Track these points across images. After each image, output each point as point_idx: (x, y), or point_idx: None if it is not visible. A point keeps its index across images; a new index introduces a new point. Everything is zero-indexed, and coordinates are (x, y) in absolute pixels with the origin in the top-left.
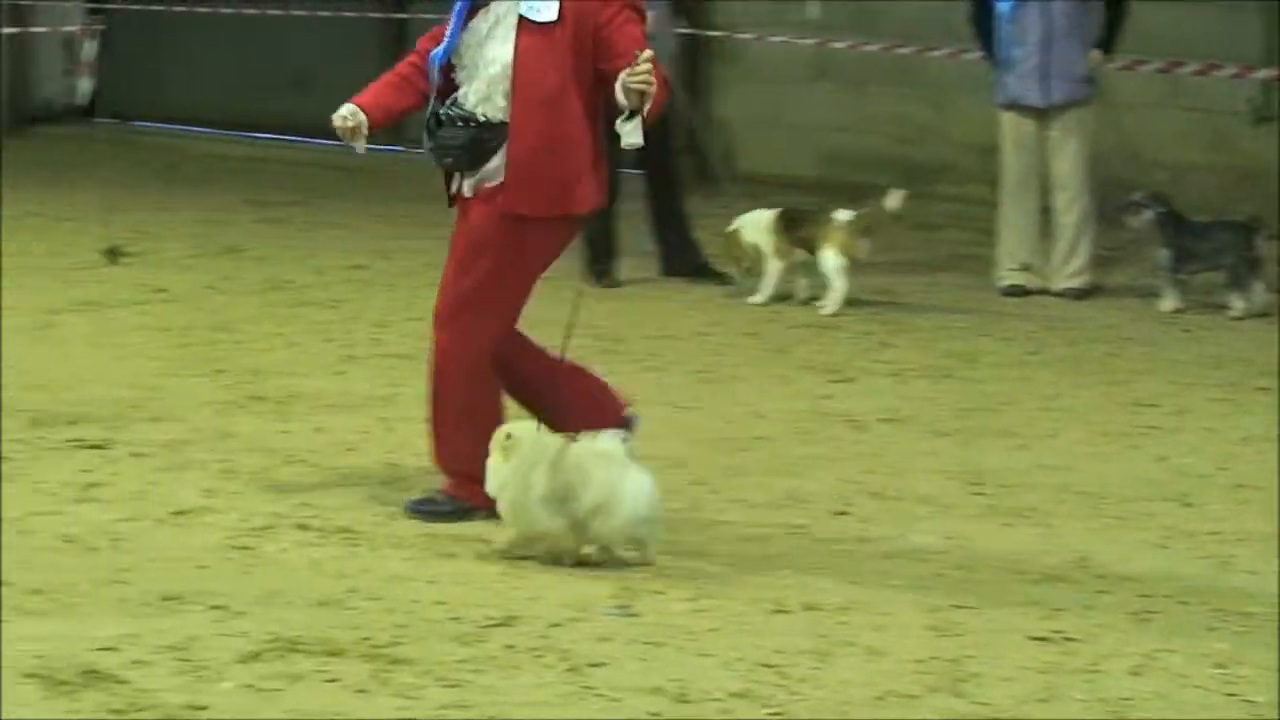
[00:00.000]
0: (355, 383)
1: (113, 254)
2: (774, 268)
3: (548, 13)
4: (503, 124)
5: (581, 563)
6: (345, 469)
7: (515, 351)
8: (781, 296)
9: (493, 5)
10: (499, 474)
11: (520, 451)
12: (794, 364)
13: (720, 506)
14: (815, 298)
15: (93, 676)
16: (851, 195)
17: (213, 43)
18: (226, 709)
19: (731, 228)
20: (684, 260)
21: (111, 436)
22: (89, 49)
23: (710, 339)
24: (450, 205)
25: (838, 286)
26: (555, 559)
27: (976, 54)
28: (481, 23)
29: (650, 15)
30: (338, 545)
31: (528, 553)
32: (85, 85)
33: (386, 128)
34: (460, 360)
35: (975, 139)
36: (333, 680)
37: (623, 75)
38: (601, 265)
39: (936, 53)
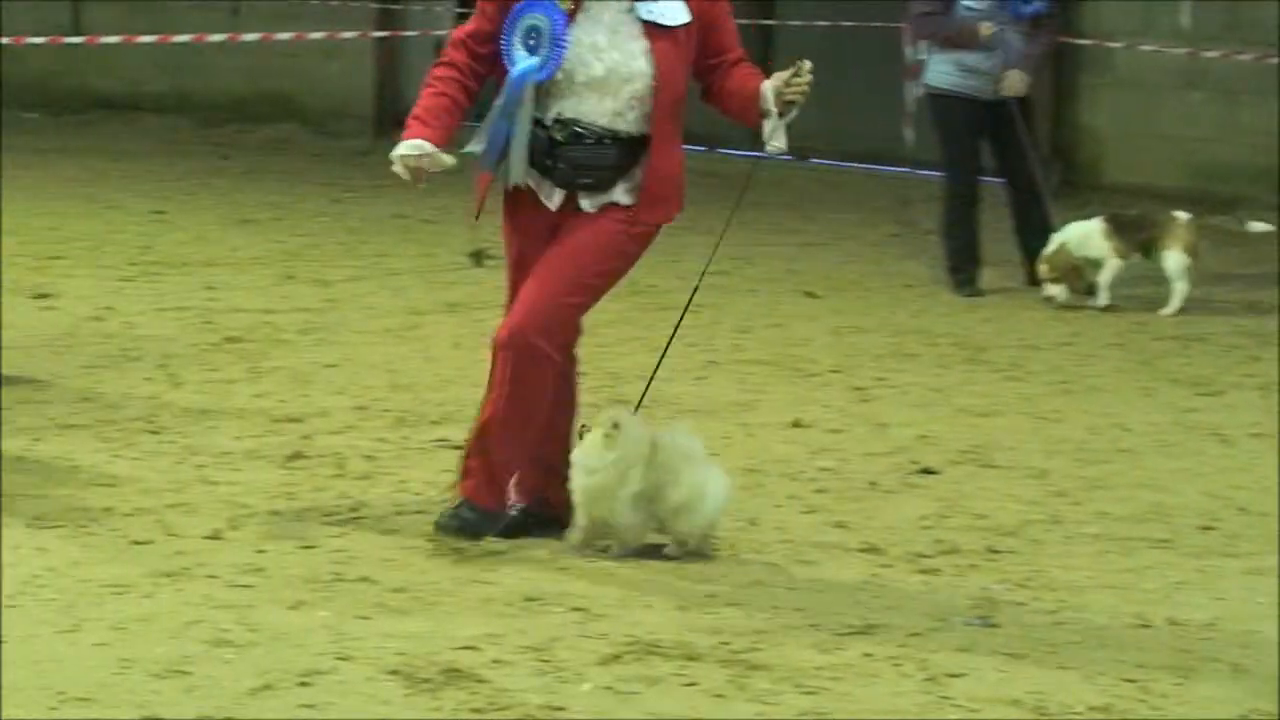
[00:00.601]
0: (716, 388)
1: (478, 256)
2: (1113, 266)
3: (678, 15)
4: (641, 137)
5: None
6: None
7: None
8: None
9: (593, 10)
10: (598, 459)
11: (625, 443)
12: (1159, 376)
13: (1082, 518)
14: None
15: (453, 675)
16: (1219, 208)
17: None
18: (585, 710)
19: (1054, 246)
20: None
21: None
22: None
23: (1073, 349)
24: (476, 214)
25: (1180, 288)
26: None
27: None
28: (585, 32)
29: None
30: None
31: (599, 542)
32: None
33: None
34: (557, 365)
35: None
36: (691, 684)
37: (778, 81)
38: (964, 274)
39: None
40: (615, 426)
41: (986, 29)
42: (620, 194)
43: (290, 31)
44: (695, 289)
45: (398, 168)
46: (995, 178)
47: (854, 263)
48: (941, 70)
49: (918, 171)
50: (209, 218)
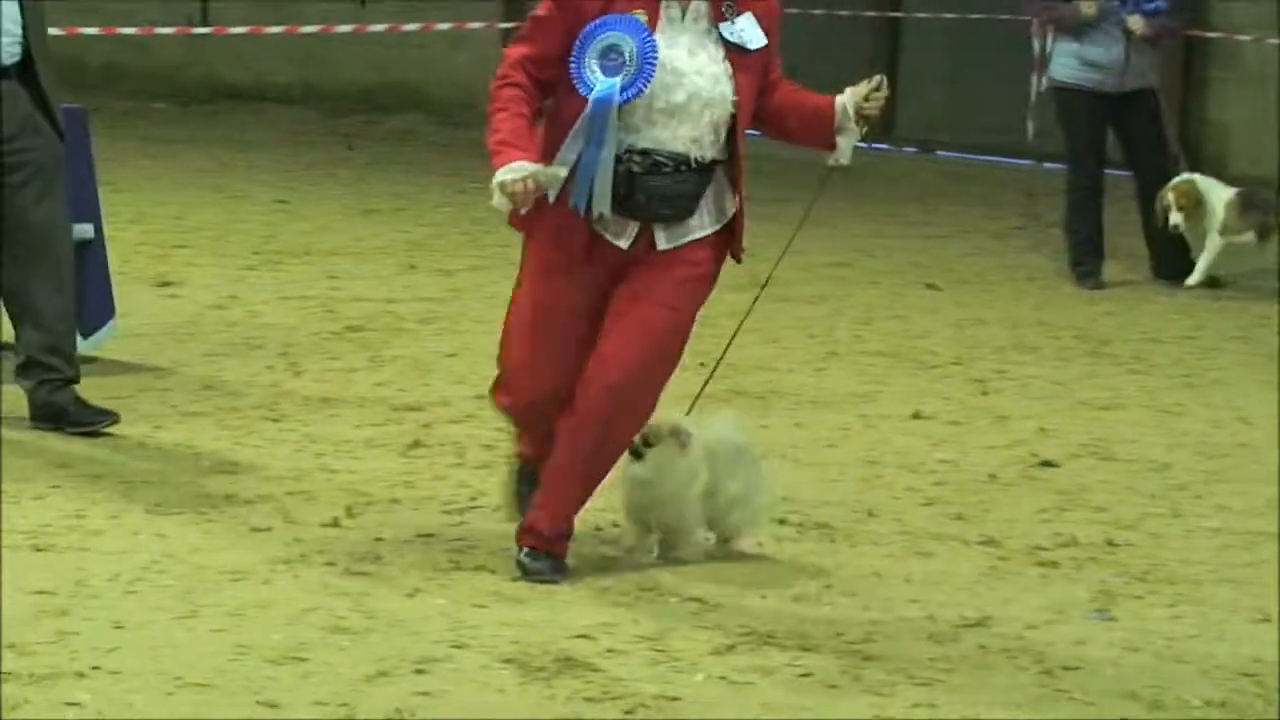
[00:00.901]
0: (836, 379)
1: None
2: (1215, 245)
3: (757, 38)
4: (713, 163)
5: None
6: (824, 465)
7: None
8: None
9: (669, 30)
10: (669, 468)
11: (694, 447)
12: None
13: (1202, 512)
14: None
15: (568, 663)
16: None
17: None
18: (698, 700)
19: (1184, 177)
20: (1175, 264)
21: None
22: None
23: (1197, 342)
24: (574, 255)
25: None
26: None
27: None
28: (664, 54)
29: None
30: (815, 541)
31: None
32: None
33: None
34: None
35: None
36: (805, 675)
37: (857, 96)
38: (1087, 267)
39: None
40: (687, 433)
41: (1088, 6)
42: (697, 226)
43: (417, 22)
44: (766, 282)
45: (498, 198)
46: (1121, 170)
47: (977, 255)
48: (1064, 63)
49: (1042, 166)
50: (333, 208)
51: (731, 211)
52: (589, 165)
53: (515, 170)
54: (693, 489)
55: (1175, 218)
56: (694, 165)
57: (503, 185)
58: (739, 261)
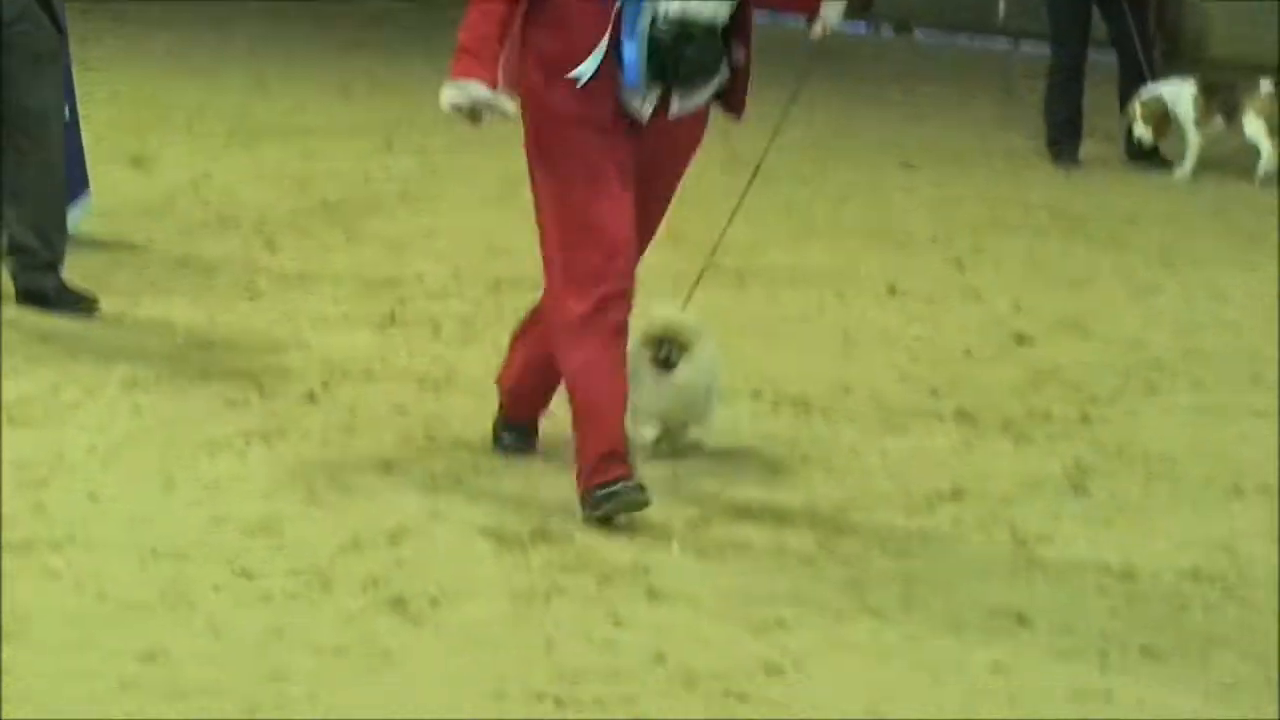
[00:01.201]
0: (813, 256)
1: None
2: (1195, 140)
3: None
4: (725, 27)
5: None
6: (799, 341)
7: None
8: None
9: None
10: (707, 365)
11: (705, 340)
12: (1262, 249)
13: (1178, 388)
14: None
15: (543, 535)
16: None
17: None
18: (671, 571)
19: (1150, 94)
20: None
21: None
22: None
23: (1175, 222)
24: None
25: (1266, 148)
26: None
27: None
28: None
29: None
30: (790, 415)
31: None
32: None
33: None
34: None
35: None
36: (779, 548)
37: None
38: (1065, 146)
39: None
40: (694, 330)
41: None
42: (706, 91)
43: None
44: (756, 170)
45: (447, 109)
46: (1106, 47)
47: (954, 134)
48: None
49: (1019, 45)
50: (309, 87)
51: (726, 73)
52: (629, 38)
53: (464, 92)
54: (716, 382)
55: (1139, 130)
56: (713, 32)
57: (451, 103)
58: (739, 117)
